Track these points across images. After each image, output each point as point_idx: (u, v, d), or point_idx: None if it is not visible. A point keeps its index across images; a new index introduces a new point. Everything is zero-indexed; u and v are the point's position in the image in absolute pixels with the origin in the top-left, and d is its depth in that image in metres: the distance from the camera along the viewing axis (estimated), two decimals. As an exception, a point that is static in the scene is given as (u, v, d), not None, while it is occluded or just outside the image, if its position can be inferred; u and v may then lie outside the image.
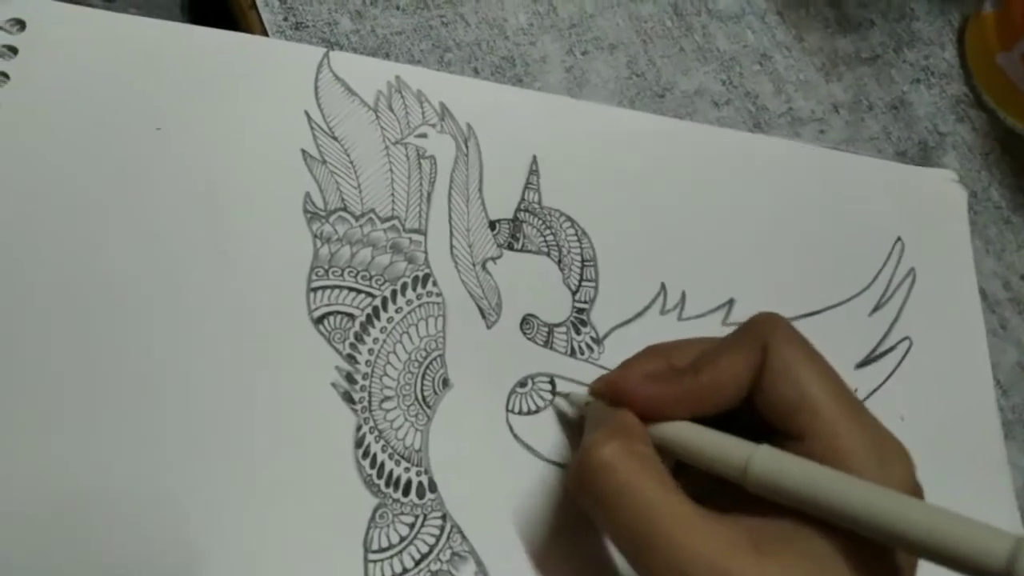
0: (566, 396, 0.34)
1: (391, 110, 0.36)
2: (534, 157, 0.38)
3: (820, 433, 0.27)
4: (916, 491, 0.27)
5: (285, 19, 0.39)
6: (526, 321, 0.35)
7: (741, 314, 0.38)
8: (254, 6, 0.39)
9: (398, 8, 0.41)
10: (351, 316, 0.33)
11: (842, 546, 0.25)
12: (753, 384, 0.28)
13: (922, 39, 0.49)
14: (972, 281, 0.42)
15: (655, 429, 0.29)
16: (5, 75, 0.32)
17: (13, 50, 0.33)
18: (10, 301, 0.30)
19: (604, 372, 0.35)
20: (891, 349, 0.39)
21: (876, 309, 0.40)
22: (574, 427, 0.34)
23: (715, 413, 0.29)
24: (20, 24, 0.33)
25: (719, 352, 0.29)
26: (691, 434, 0.28)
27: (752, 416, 0.29)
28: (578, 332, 0.35)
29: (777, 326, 0.29)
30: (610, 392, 0.30)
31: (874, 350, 0.39)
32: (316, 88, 0.35)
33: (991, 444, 0.39)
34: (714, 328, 0.37)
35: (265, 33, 0.39)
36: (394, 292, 0.34)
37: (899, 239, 0.41)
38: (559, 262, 0.36)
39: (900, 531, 0.24)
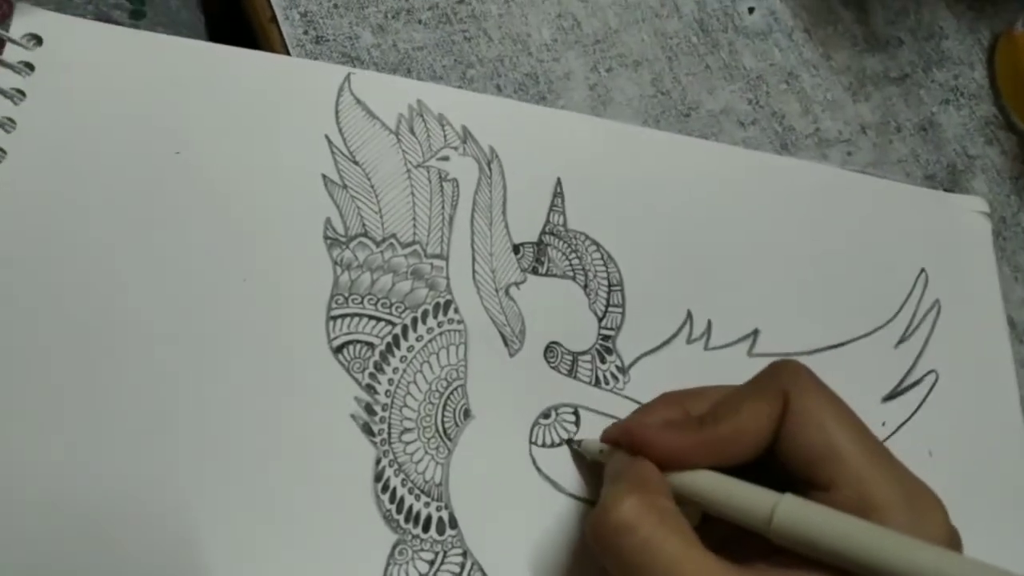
0: (578, 444, 0.33)
1: (412, 133, 0.35)
2: (558, 179, 0.37)
3: (848, 482, 0.26)
4: (951, 540, 0.26)
5: (305, 33, 0.39)
6: (550, 349, 0.34)
7: (766, 345, 0.37)
8: (274, 20, 0.39)
9: (420, 22, 0.40)
10: (371, 345, 0.32)
11: None
12: (775, 433, 0.28)
13: (951, 58, 0.48)
14: (1000, 313, 0.41)
15: (675, 479, 0.28)
16: (21, 92, 0.32)
17: (30, 66, 0.32)
18: (24, 324, 0.29)
19: (629, 403, 0.34)
20: (917, 382, 0.39)
21: (901, 341, 0.39)
22: (592, 466, 0.33)
23: (735, 464, 0.28)
24: (37, 39, 0.32)
25: (739, 400, 0.28)
26: (713, 483, 0.28)
27: (771, 466, 0.28)
28: (603, 361, 0.35)
29: (798, 374, 0.28)
30: (628, 440, 0.29)
31: (900, 383, 0.38)
32: (337, 112, 0.35)
33: (1020, 479, 0.39)
34: (740, 359, 0.36)
35: (285, 47, 0.38)
36: (415, 320, 0.33)
37: (923, 270, 0.41)
38: (585, 287, 0.36)
39: None
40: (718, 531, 0.28)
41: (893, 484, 0.26)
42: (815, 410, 0.27)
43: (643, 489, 0.27)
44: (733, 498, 0.27)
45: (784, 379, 0.28)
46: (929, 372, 0.39)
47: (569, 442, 0.33)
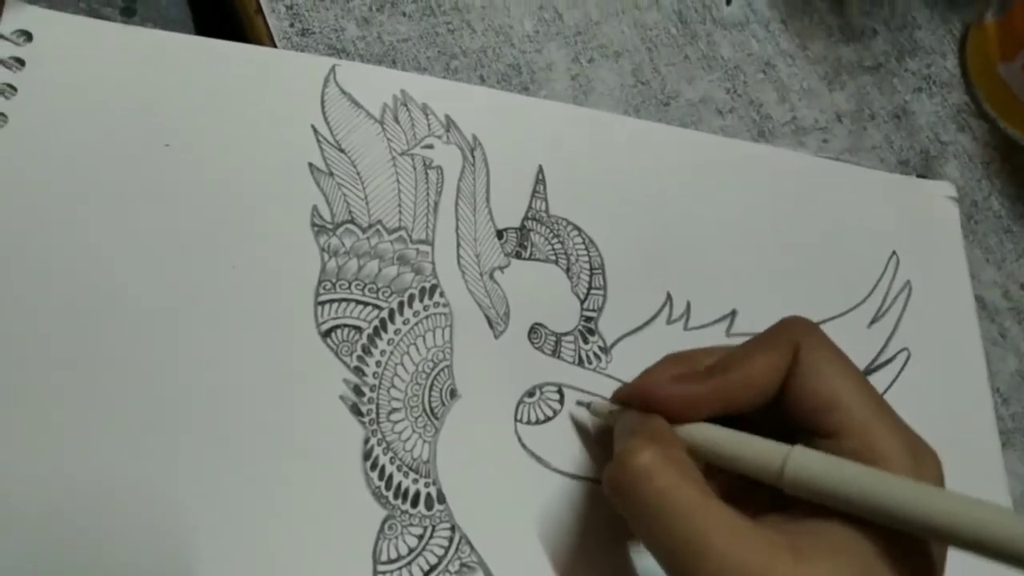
0: (587, 405, 0.34)
1: (397, 122, 0.36)
2: (540, 167, 0.38)
3: (853, 432, 0.27)
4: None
5: (291, 25, 0.39)
6: (534, 331, 0.35)
7: (743, 325, 0.38)
8: (260, 11, 0.39)
9: (404, 15, 0.41)
10: (358, 329, 0.33)
11: (877, 541, 0.25)
12: (783, 383, 0.28)
13: (924, 48, 0.50)
14: (968, 293, 0.43)
15: (685, 433, 0.29)
16: (12, 87, 0.32)
17: (20, 62, 0.33)
18: (16, 316, 0.30)
19: (612, 381, 0.35)
20: (890, 360, 0.40)
21: (874, 321, 0.40)
22: (589, 436, 0.34)
23: (744, 412, 0.29)
24: (27, 35, 0.33)
25: (751, 350, 0.29)
26: (722, 437, 0.28)
27: (773, 420, 0.29)
28: (586, 341, 0.36)
29: (808, 327, 0.29)
30: (640, 396, 0.30)
31: (873, 361, 0.39)
32: (322, 102, 0.35)
33: (989, 453, 0.40)
34: (718, 339, 0.37)
35: (272, 40, 0.39)
36: (401, 304, 0.34)
37: (894, 253, 0.42)
38: (567, 270, 0.37)
39: (942, 524, 0.24)
40: (724, 483, 0.29)
41: (896, 434, 0.27)
42: (823, 363, 0.28)
43: (659, 441, 0.27)
44: (744, 451, 0.28)
45: (795, 332, 0.29)
46: (901, 350, 0.40)
47: (578, 403, 0.34)
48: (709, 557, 0.25)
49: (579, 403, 0.34)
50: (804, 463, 0.26)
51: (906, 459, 0.26)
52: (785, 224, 0.41)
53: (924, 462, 0.27)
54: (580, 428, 0.34)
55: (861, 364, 0.39)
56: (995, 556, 0.23)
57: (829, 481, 0.26)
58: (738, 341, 0.36)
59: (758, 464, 0.27)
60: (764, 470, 0.27)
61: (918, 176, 0.46)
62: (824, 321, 0.39)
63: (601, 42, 0.44)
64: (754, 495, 0.28)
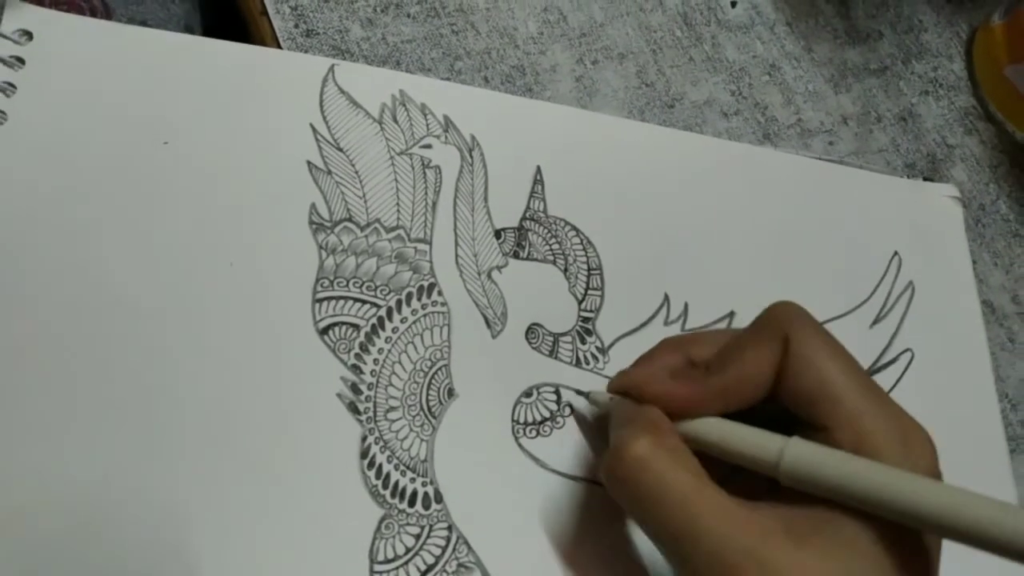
0: (587, 395, 0.34)
1: (395, 122, 0.36)
2: (538, 167, 0.38)
3: (845, 422, 0.27)
4: (939, 476, 0.27)
5: (296, 26, 0.40)
6: (531, 331, 0.35)
7: (742, 326, 0.38)
8: (265, 13, 0.39)
9: (409, 16, 0.41)
10: (356, 327, 0.33)
11: (872, 531, 0.26)
12: (776, 377, 0.28)
13: (930, 51, 0.49)
14: (973, 294, 0.42)
15: (681, 426, 0.29)
16: (12, 86, 0.33)
17: (21, 61, 0.33)
18: (14, 312, 0.30)
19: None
20: (893, 361, 0.39)
21: (876, 322, 0.40)
22: (587, 435, 0.34)
23: (741, 408, 0.29)
24: (28, 35, 0.33)
25: (742, 346, 0.29)
26: (719, 429, 0.28)
27: (773, 407, 0.29)
28: (583, 342, 0.35)
29: (797, 316, 0.29)
30: (635, 392, 0.30)
31: (876, 362, 0.39)
32: (321, 102, 0.36)
33: (995, 457, 0.39)
34: (718, 340, 0.37)
35: (276, 40, 0.39)
36: (399, 302, 0.34)
37: (896, 253, 0.41)
38: (565, 270, 0.36)
39: (931, 515, 0.24)
40: (719, 470, 0.28)
41: (888, 421, 0.27)
42: (813, 353, 0.28)
43: (655, 430, 0.28)
44: (740, 443, 0.28)
45: (783, 322, 0.29)
46: (904, 351, 0.39)
47: (578, 392, 0.34)
48: (706, 540, 0.25)
49: (578, 392, 0.34)
50: (799, 455, 0.26)
51: (897, 447, 0.26)
52: (785, 225, 0.40)
53: (915, 450, 0.27)
54: (579, 422, 0.34)
55: (863, 364, 0.38)
56: (980, 544, 0.23)
57: (824, 474, 0.26)
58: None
59: (755, 456, 0.27)
60: (761, 462, 0.27)
61: (924, 179, 0.46)
62: (825, 322, 0.39)
63: (605, 44, 0.44)
64: (749, 480, 0.28)
